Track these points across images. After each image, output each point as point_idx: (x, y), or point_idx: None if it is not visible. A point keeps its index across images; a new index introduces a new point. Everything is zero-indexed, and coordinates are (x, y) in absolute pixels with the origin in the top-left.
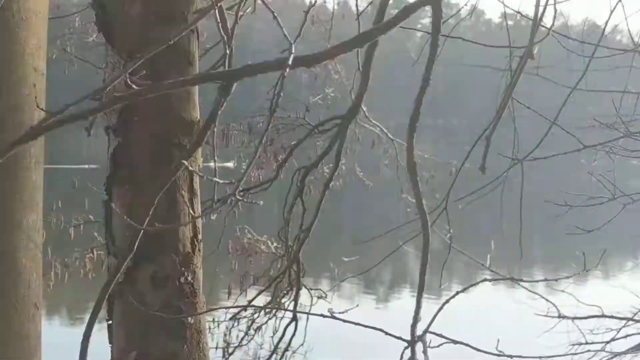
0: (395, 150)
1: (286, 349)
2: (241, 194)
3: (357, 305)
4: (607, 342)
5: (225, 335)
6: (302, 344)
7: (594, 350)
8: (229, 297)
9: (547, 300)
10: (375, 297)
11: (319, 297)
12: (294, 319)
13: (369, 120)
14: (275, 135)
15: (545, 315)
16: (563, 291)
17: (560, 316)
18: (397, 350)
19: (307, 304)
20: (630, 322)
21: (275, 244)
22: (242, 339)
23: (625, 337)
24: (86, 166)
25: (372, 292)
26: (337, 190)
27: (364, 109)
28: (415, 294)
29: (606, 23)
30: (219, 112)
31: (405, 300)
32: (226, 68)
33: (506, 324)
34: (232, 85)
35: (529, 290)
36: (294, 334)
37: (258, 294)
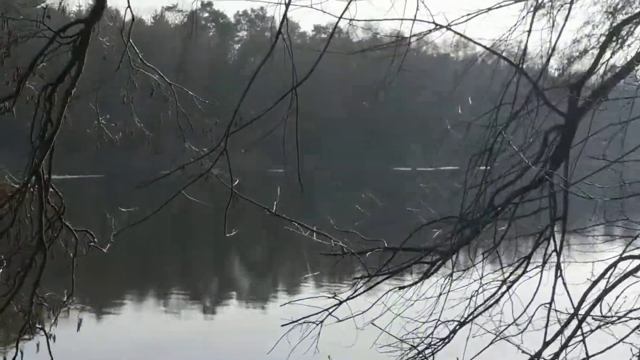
0: (175, 97)
1: None
2: None
3: None
4: (378, 271)
5: None
6: None
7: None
8: None
9: (332, 239)
10: None
11: None
12: None
13: (146, 65)
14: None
15: (330, 254)
16: (350, 231)
17: (344, 253)
18: None
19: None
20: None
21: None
22: None
23: (413, 263)
24: None
25: None
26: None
27: (141, 54)
28: None
29: None
30: None
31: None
32: None
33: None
34: None
35: (318, 232)
36: None
37: None
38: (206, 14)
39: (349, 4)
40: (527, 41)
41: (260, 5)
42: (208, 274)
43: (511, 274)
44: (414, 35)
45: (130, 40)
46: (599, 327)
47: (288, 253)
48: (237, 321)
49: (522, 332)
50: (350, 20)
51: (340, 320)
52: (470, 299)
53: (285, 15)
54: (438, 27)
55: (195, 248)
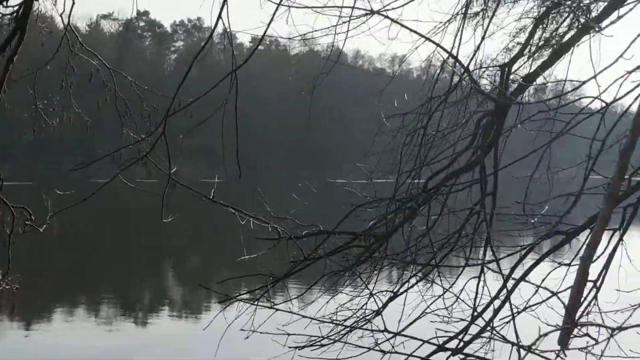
0: (114, 83)
1: None
2: None
3: None
4: (312, 253)
5: None
6: None
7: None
8: None
9: (269, 224)
10: None
11: None
12: None
13: (86, 49)
14: None
15: (267, 238)
16: (286, 218)
17: (280, 237)
18: None
19: None
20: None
21: None
22: None
23: (348, 247)
24: None
25: None
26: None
27: (80, 38)
28: None
29: None
30: None
31: None
32: None
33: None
34: None
35: (253, 217)
36: None
37: None
38: (142, 23)
39: None
40: (462, 27)
41: (197, 15)
42: (146, 260)
43: (442, 246)
44: (353, 17)
45: (70, 25)
46: (524, 309)
47: (225, 240)
48: (175, 304)
49: (451, 305)
50: (289, 7)
51: (273, 307)
52: (403, 273)
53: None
54: (372, 12)
55: (132, 238)
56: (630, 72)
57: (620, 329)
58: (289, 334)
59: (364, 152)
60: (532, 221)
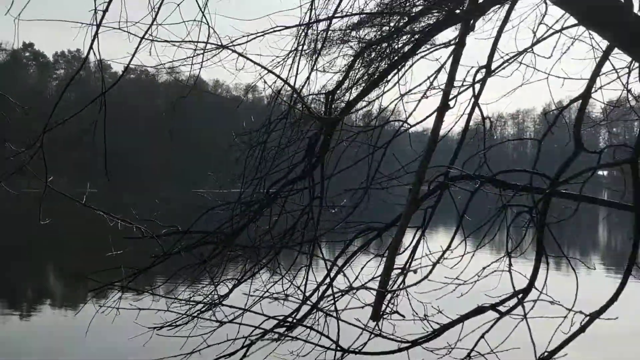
0: None
1: None
2: None
3: None
4: (170, 249)
5: None
6: None
7: None
8: None
9: (134, 225)
10: None
11: None
12: None
13: None
14: None
15: (132, 237)
16: (150, 220)
17: (143, 236)
18: None
19: None
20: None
21: None
22: None
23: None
24: None
25: None
26: None
27: None
28: None
29: None
30: None
31: None
32: None
33: None
34: None
35: (120, 219)
36: None
37: None
38: (27, 54)
39: (152, 22)
40: (298, 60)
41: (77, 47)
42: (20, 260)
43: (281, 240)
44: (207, 50)
45: None
46: (347, 292)
47: (97, 241)
48: (52, 297)
49: (286, 289)
50: (152, 40)
51: (139, 293)
52: (245, 264)
53: (97, 32)
54: (222, 47)
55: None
56: (402, 95)
57: (389, 291)
58: (140, 309)
59: (221, 165)
60: (333, 211)
